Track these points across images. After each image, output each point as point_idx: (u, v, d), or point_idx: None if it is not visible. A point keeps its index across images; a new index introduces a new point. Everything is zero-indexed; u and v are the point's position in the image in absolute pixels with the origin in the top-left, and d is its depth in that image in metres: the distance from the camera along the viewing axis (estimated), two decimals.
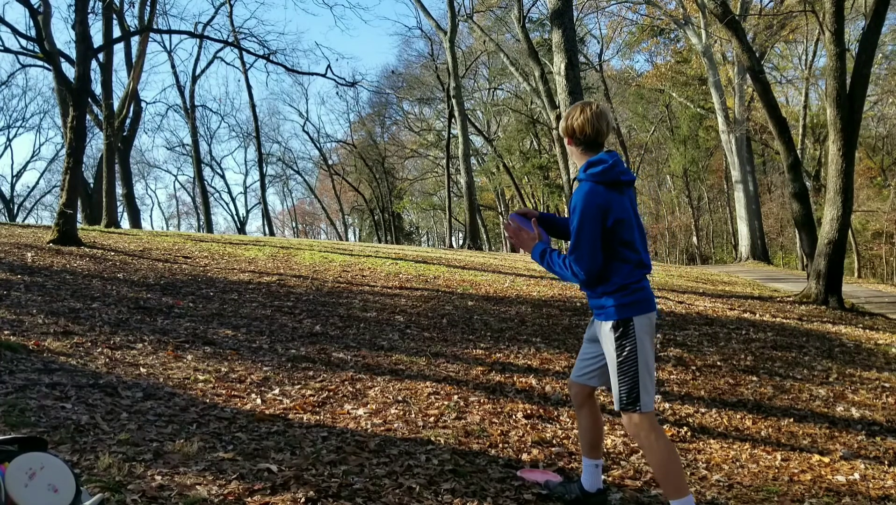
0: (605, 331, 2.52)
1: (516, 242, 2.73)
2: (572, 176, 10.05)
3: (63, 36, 61.87)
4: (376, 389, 4.30)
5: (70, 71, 12.84)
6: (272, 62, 16.71)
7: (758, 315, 8.62)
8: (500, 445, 3.44)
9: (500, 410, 4.07)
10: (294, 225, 56.32)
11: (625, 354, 2.48)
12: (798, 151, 15.21)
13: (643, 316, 2.49)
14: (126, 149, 18.91)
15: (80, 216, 17.05)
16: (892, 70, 24.29)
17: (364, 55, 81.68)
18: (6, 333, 4.72)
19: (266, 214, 33.74)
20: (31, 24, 13.59)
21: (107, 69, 17.05)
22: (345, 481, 2.68)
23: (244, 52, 25.16)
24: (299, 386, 4.21)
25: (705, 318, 8.03)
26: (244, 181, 72.42)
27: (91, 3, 12.30)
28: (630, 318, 2.47)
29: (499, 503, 2.67)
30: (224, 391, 3.93)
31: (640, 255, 2.53)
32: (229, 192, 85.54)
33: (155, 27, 18.93)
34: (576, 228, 2.43)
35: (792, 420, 4.33)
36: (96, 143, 28.04)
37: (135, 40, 18.26)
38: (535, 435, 3.65)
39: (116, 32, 16.99)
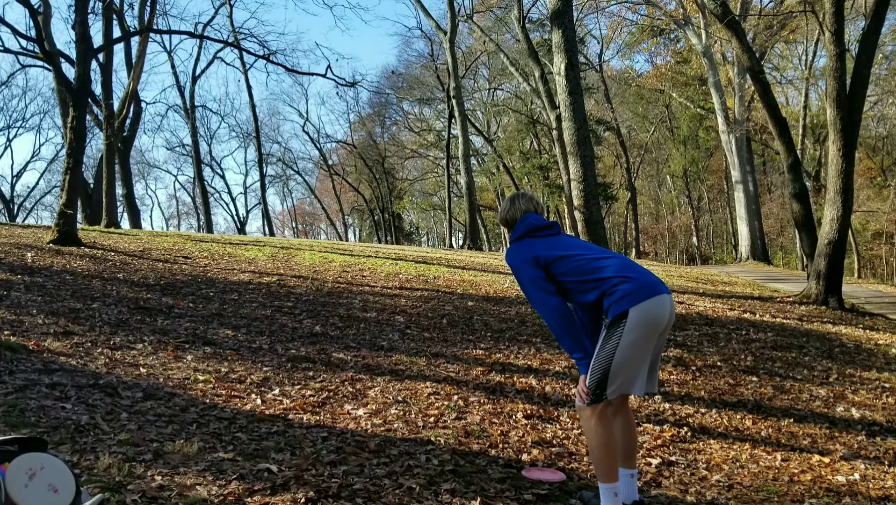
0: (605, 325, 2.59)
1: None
2: (572, 176, 10.06)
3: (63, 36, 62.05)
4: (376, 389, 4.30)
5: (70, 71, 12.85)
6: (272, 62, 16.69)
7: (758, 315, 8.61)
8: (500, 446, 3.44)
9: (500, 410, 4.08)
10: (294, 225, 56.33)
11: (608, 343, 2.52)
12: (798, 151, 15.21)
13: (640, 305, 2.49)
14: (126, 149, 18.91)
15: (80, 216, 17.04)
16: (892, 70, 24.27)
17: (364, 55, 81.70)
18: (6, 333, 4.72)
19: (266, 215, 33.76)
20: (31, 24, 13.60)
21: (107, 69, 17.05)
22: (345, 482, 2.67)
23: (244, 53, 25.15)
24: (299, 386, 4.21)
25: (705, 318, 8.03)
26: (244, 181, 72.54)
27: (91, 4, 12.29)
28: (626, 310, 2.50)
29: (499, 503, 2.67)
30: (224, 391, 3.93)
31: (606, 260, 2.62)
32: (229, 193, 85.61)
33: (155, 27, 18.93)
34: (521, 286, 2.72)
35: (792, 420, 4.33)
36: (96, 144, 28.07)
37: (135, 41, 18.26)
38: (536, 435, 3.65)
39: (116, 33, 17.00)
